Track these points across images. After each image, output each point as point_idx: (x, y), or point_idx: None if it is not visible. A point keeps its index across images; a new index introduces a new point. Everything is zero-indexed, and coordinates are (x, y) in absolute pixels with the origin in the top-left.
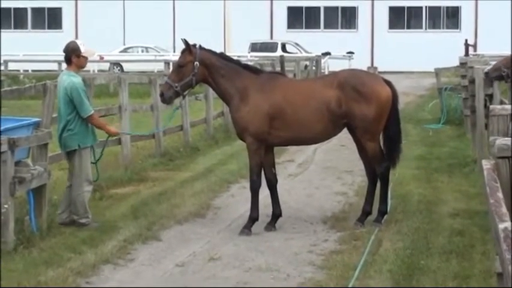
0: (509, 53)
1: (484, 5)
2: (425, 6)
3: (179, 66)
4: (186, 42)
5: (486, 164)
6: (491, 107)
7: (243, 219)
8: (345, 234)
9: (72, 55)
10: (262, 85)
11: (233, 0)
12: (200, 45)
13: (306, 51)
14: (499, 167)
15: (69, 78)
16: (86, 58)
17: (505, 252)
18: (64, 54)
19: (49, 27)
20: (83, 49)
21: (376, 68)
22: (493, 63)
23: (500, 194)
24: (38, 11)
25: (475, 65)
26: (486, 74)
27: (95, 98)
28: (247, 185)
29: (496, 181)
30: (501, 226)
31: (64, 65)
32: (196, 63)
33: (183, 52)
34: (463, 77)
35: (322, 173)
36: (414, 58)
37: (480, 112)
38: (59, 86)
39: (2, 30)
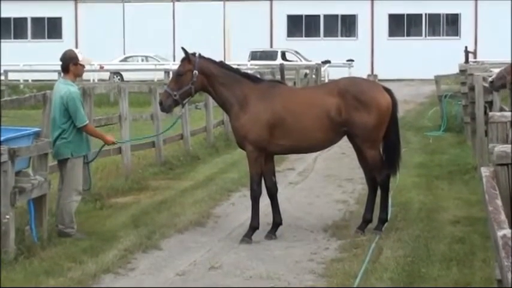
0: (510, 59)
1: (483, 12)
2: (425, 14)
3: (178, 74)
4: (185, 51)
5: (485, 171)
6: (490, 114)
7: (243, 227)
8: (345, 242)
9: (70, 63)
10: (262, 93)
11: (233, 9)
12: (199, 54)
13: (306, 60)
14: (498, 174)
15: (66, 87)
16: (83, 66)
17: (503, 259)
18: (61, 62)
19: (49, 37)
20: (80, 57)
21: (376, 75)
22: (495, 70)
23: (499, 201)
24: (37, 21)
25: (475, 72)
26: (491, 83)
27: (95, 108)
28: (248, 193)
29: (494, 188)
30: (500, 233)
31: None
32: (195, 71)
33: (182, 61)
34: (463, 84)
35: (323, 181)
36: (414, 65)
37: (480, 119)
38: (55, 94)
39: (2, 40)
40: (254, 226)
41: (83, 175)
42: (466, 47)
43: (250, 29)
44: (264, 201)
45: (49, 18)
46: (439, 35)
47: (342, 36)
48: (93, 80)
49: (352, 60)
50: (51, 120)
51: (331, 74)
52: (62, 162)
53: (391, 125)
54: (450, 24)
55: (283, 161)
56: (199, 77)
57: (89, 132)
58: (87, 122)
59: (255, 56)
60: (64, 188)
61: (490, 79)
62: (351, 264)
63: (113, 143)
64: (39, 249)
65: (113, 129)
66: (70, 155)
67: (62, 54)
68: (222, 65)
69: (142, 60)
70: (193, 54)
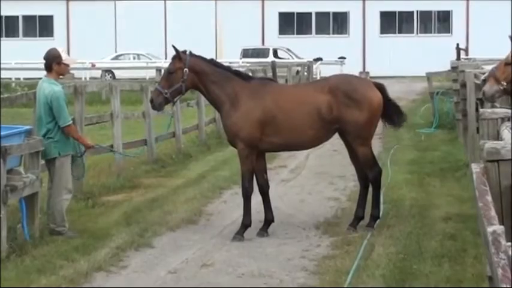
0: (501, 57)
1: (475, 9)
2: (417, 11)
3: (169, 72)
4: (175, 49)
5: (476, 168)
6: (481, 110)
7: (235, 225)
8: (337, 239)
9: (53, 62)
10: (253, 91)
11: (224, 6)
12: (190, 52)
13: (298, 57)
14: (488, 171)
15: (50, 86)
16: (66, 66)
17: (493, 255)
18: (45, 61)
19: (40, 35)
20: (64, 56)
21: (367, 72)
22: (486, 67)
23: (489, 198)
24: (29, 19)
25: (467, 69)
26: (484, 81)
27: (86, 106)
28: (240, 191)
29: (485, 184)
30: (489, 229)
31: None
32: (186, 69)
33: (173, 59)
34: (455, 81)
35: (315, 179)
36: (406, 63)
37: (471, 116)
38: (39, 93)
39: None
40: (246, 224)
41: (77, 165)
42: (457, 44)
43: (242, 27)
44: (256, 199)
45: (40, 16)
46: (431, 32)
47: (333, 33)
48: (85, 78)
49: (344, 58)
50: (37, 119)
51: (323, 71)
52: (50, 162)
53: (389, 107)
54: (442, 21)
55: (275, 158)
56: (190, 75)
57: (71, 133)
58: (71, 122)
59: (246, 53)
60: (54, 187)
61: (482, 77)
62: (343, 261)
63: (92, 147)
64: (31, 248)
65: (104, 128)
66: (57, 155)
67: (46, 53)
68: (213, 62)
69: (134, 58)
70: (184, 52)
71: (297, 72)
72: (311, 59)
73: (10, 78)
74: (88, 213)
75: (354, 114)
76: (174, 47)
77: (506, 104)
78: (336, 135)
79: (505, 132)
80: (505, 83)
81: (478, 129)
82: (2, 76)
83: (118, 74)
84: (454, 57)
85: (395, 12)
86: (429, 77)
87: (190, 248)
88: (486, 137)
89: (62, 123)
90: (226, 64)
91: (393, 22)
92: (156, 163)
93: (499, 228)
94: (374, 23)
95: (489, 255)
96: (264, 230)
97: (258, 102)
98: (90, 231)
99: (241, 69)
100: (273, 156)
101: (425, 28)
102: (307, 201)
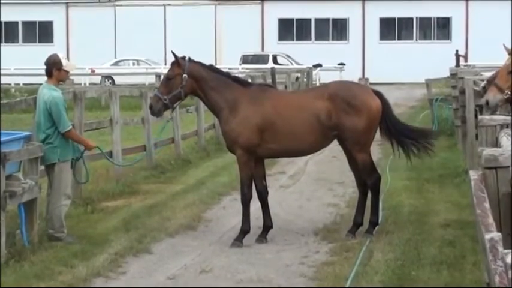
0: (500, 63)
1: (474, 16)
2: (416, 17)
3: (168, 78)
4: (174, 54)
5: (474, 175)
6: (479, 117)
7: (234, 231)
8: (336, 245)
9: (53, 68)
10: (252, 97)
11: (224, 12)
12: (189, 58)
13: (297, 63)
14: (486, 178)
15: (49, 92)
16: (66, 72)
17: (491, 262)
18: (45, 67)
19: (40, 41)
20: (64, 63)
21: (367, 79)
22: (485, 74)
23: (487, 205)
24: (29, 25)
25: (466, 75)
26: (484, 88)
27: (86, 111)
28: (239, 197)
29: (483, 191)
30: (487, 236)
31: None
32: (185, 75)
33: (172, 65)
34: (454, 87)
35: (314, 185)
36: (405, 69)
37: (470, 123)
38: (39, 98)
39: None
40: (245, 230)
41: (78, 169)
42: (457, 51)
43: (242, 33)
44: (255, 205)
45: (40, 22)
46: (430, 39)
47: (333, 39)
48: (84, 84)
49: (344, 64)
50: (36, 125)
51: (322, 77)
52: (49, 167)
53: (390, 124)
54: (441, 27)
55: (274, 164)
56: (188, 81)
57: (72, 137)
58: (70, 127)
59: (246, 59)
60: (53, 193)
61: (482, 84)
62: (342, 268)
63: (94, 147)
64: (30, 253)
65: (104, 133)
66: (57, 160)
67: (46, 59)
68: (212, 68)
69: (134, 64)
70: (183, 58)
71: (297, 78)
72: (310, 65)
73: (10, 84)
74: (87, 219)
75: (352, 120)
76: (173, 53)
77: (505, 111)
78: (335, 142)
79: (503, 139)
80: (508, 92)
81: (476, 136)
82: (1, 82)
83: (117, 80)
84: (454, 63)
85: (394, 19)
86: (428, 83)
87: (189, 254)
88: (485, 143)
89: (62, 129)
90: (225, 70)
91: (393, 28)
92: (155, 169)
93: (497, 235)
94: (373, 29)
95: (487, 262)
96: (262, 236)
97: (257, 108)
98: (89, 237)
99: (240, 75)
100: (272, 162)
101: (425, 34)
102: (306, 207)
